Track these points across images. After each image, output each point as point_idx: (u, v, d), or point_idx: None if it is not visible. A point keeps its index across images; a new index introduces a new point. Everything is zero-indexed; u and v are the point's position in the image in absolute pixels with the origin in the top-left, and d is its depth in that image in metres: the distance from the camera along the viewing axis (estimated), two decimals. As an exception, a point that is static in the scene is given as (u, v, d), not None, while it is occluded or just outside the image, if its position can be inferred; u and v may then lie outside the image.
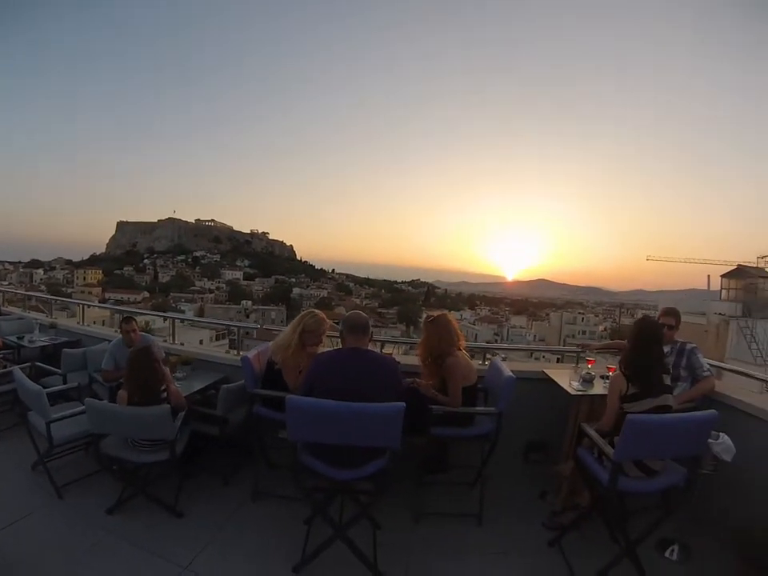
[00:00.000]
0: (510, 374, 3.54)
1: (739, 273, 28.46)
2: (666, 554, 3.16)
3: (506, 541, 3.31)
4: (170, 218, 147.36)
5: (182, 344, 5.50)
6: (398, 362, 3.60)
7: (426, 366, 3.78)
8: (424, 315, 3.92)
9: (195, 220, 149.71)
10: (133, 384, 3.45)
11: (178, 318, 6.35)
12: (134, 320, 4.67)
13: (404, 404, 2.62)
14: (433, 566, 3.04)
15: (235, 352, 5.01)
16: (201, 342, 27.91)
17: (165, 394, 3.52)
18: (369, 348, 3.25)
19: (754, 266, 28.83)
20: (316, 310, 3.86)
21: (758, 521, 2.70)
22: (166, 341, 5.57)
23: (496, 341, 59.97)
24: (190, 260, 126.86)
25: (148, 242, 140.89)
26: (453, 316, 3.85)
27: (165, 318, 7.35)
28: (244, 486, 3.77)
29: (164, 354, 4.54)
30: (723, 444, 2.98)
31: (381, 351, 4.38)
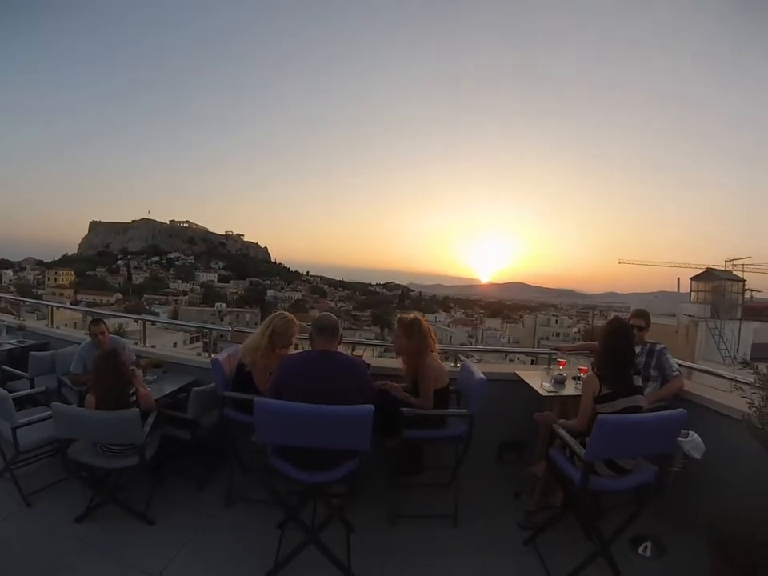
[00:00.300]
0: (482, 375, 3.56)
1: (708, 276, 29.16)
2: (640, 551, 3.22)
3: (482, 541, 3.33)
4: (144, 218, 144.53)
5: (153, 346, 5.43)
6: (369, 365, 3.61)
7: (410, 366, 3.75)
8: (397, 317, 3.90)
9: (170, 221, 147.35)
10: (100, 388, 3.38)
11: (150, 320, 6.26)
12: (103, 322, 4.58)
13: (372, 406, 2.61)
14: (408, 568, 3.03)
15: (207, 355, 4.95)
16: (175, 344, 27.60)
17: (134, 398, 3.45)
18: (339, 350, 3.23)
19: (722, 269, 29.54)
20: (286, 312, 3.83)
21: (729, 515, 2.75)
22: (137, 343, 5.48)
23: (470, 343, 60.30)
24: (164, 261, 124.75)
25: (121, 242, 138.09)
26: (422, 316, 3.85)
27: (136, 320, 7.23)
28: (217, 490, 3.72)
29: (135, 357, 4.48)
30: (693, 442, 3.04)
31: (351, 353, 4.35)
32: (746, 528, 2.57)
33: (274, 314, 3.80)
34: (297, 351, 3.62)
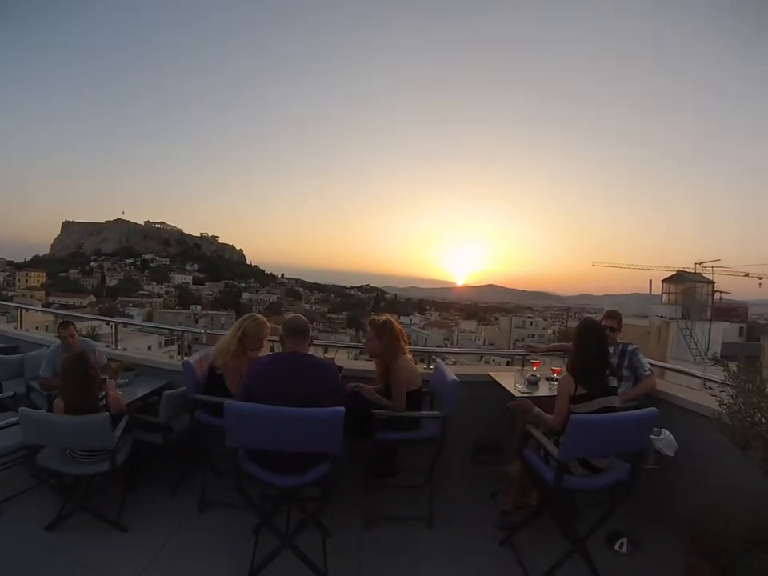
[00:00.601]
0: (454, 377, 3.55)
1: (679, 278, 29.86)
2: (616, 547, 3.26)
3: (458, 542, 3.33)
4: (118, 218, 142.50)
5: (124, 349, 5.34)
6: (341, 367, 3.63)
7: (382, 368, 3.76)
8: (369, 319, 3.90)
9: (144, 222, 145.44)
10: (68, 392, 3.29)
11: (121, 323, 6.17)
12: (73, 325, 4.48)
13: (343, 409, 2.59)
14: (385, 570, 3.02)
15: (180, 357, 4.88)
16: (149, 347, 27.29)
17: (104, 402, 3.38)
18: (310, 352, 3.22)
19: (693, 271, 30.28)
20: (257, 314, 3.82)
21: (703, 511, 2.80)
22: (108, 346, 5.39)
23: (446, 345, 60.51)
24: (138, 263, 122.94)
25: (95, 243, 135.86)
26: (395, 319, 3.86)
27: (107, 322, 7.12)
28: (191, 495, 3.65)
29: (106, 360, 4.40)
30: (665, 440, 3.09)
31: (324, 355, 4.32)
32: (720, 523, 2.61)
33: (244, 316, 3.79)
34: (268, 353, 3.59)
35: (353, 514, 3.48)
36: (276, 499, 3.05)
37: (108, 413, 3.19)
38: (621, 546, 3.26)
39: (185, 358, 4.01)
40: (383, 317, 3.79)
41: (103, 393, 3.41)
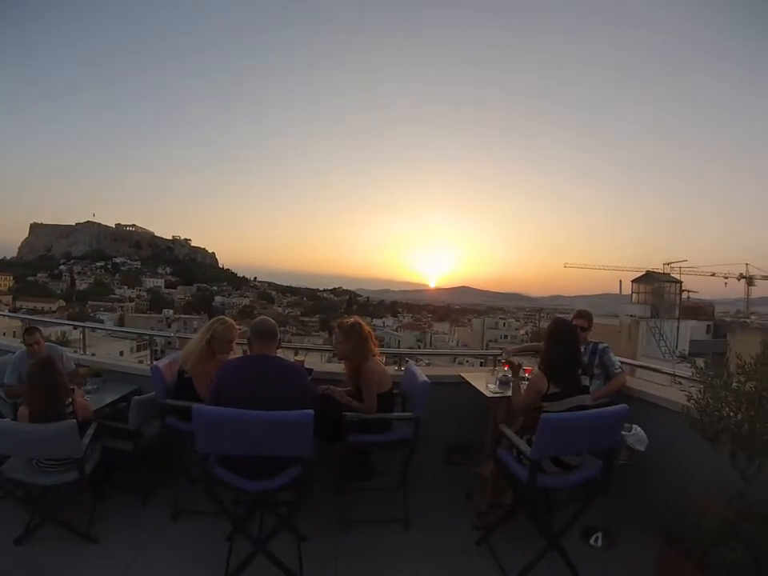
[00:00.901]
0: (425, 378, 3.54)
1: (648, 278, 30.54)
2: (591, 542, 3.31)
3: (434, 543, 3.33)
4: (88, 221, 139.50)
5: (93, 354, 5.22)
6: (311, 369, 3.65)
7: (352, 370, 3.74)
8: (337, 322, 3.89)
9: (115, 224, 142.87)
10: (34, 398, 3.19)
11: (90, 327, 6.05)
12: (38, 331, 4.33)
13: (312, 411, 2.57)
14: (361, 573, 3.02)
15: (151, 362, 4.78)
16: (121, 353, 26.76)
17: (71, 408, 3.28)
18: (278, 355, 3.18)
19: (661, 271, 31.00)
20: (225, 317, 3.80)
21: (674, 503, 2.85)
22: (76, 351, 5.27)
23: (419, 347, 60.61)
24: (109, 266, 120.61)
25: (64, 246, 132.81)
26: (366, 321, 3.86)
27: (75, 327, 6.98)
28: (163, 503, 3.58)
29: (73, 366, 4.29)
30: (636, 435, 3.16)
31: (294, 358, 4.28)
32: (693, 516, 2.65)
33: (213, 319, 3.77)
34: (237, 356, 3.55)
35: (328, 519, 3.45)
36: (249, 505, 3.01)
37: (75, 420, 3.11)
38: (596, 541, 3.31)
39: (154, 363, 3.94)
40: (352, 319, 3.78)
41: (70, 399, 3.32)
